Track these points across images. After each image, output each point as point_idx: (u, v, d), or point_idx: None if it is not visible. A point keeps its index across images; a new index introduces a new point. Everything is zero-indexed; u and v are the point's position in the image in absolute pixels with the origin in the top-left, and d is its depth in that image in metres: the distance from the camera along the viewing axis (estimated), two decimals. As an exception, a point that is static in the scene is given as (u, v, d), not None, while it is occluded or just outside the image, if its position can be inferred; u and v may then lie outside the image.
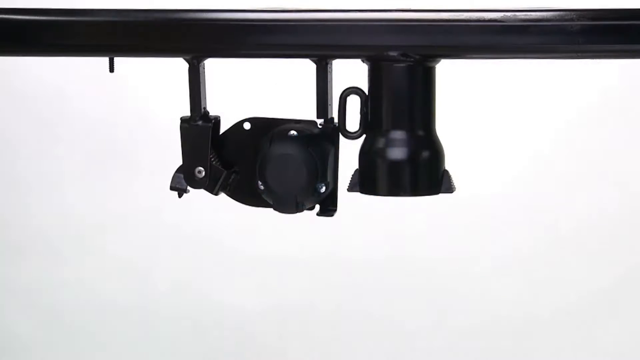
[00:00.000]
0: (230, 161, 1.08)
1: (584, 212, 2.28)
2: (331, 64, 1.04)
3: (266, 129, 1.06)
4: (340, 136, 1.06)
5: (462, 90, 2.12)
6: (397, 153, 1.01)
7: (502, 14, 0.96)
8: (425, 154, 1.01)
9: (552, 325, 2.30)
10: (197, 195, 1.10)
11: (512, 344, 2.32)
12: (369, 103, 1.03)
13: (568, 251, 2.28)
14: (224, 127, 1.08)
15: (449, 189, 1.03)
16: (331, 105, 1.06)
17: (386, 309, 2.35)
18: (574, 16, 0.95)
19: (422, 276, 2.31)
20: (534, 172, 2.28)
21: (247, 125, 1.07)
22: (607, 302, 2.28)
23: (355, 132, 1.04)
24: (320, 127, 1.06)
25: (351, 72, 1.08)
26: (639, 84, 2.20)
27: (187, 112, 1.06)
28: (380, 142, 1.01)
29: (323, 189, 1.04)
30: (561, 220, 2.28)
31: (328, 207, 1.08)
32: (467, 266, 2.32)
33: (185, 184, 1.08)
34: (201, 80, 1.06)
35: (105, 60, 1.09)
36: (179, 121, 1.07)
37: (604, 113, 2.25)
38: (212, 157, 1.06)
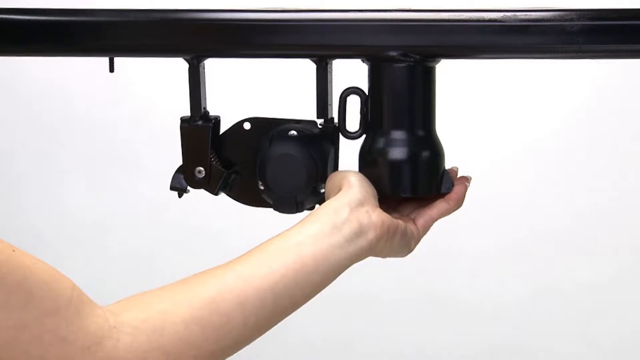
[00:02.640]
0: (230, 161, 1.08)
1: (581, 208, 2.28)
2: (331, 64, 1.04)
3: (266, 129, 1.06)
4: (340, 136, 1.06)
5: (462, 90, 2.12)
6: (397, 153, 1.00)
7: (502, 14, 0.96)
8: (425, 154, 1.01)
9: (551, 322, 2.31)
10: (197, 195, 1.10)
11: (511, 339, 2.32)
12: (369, 103, 1.02)
13: (566, 247, 2.29)
14: (224, 127, 1.08)
15: (449, 188, 1.03)
16: (331, 105, 1.05)
17: (385, 306, 2.36)
18: (574, 16, 0.95)
19: (422, 274, 2.31)
20: (534, 169, 2.29)
21: (247, 125, 1.07)
22: (606, 297, 2.29)
23: (355, 132, 1.04)
24: (320, 127, 1.06)
25: (351, 72, 1.08)
26: (633, 81, 2.20)
27: (187, 112, 1.06)
28: (381, 142, 1.01)
29: (323, 189, 1.04)
30: (559, 216, 2.28)
31: (328, 207, 1.08)
32: (467, 264, 2.32)
33: (185, 184, 1.07)
34: (201, 80, 1.06)
35: (105, 60, 1.08)
36: (179, 121, 1.07)
37: (599, 111, 2.25)
38: (212, 157, 1.06)
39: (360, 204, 0.96)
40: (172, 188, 1.08)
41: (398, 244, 0.99)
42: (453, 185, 1.03)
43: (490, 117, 2.27)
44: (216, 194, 1.08)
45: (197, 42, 1.03)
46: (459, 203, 1.04)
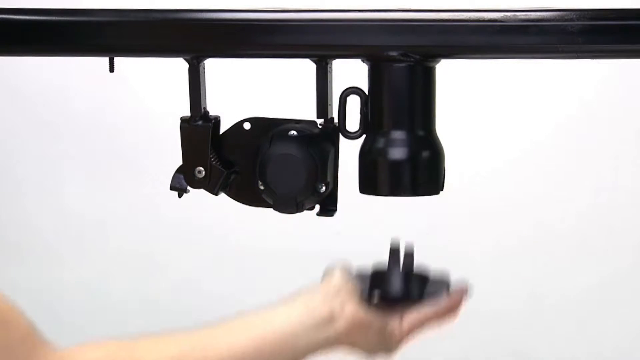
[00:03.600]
0: (230, 161, 1.08)
1: (581, 209, 2.28)
2: (331, 64, 1.04)
3: (266, 129, 1.06)
4: (340, 136, 1.06)
5: (462, 90, 2.12)
6: (397, 153, 1.00)
7: (502, 14, 0.96)
8: (425, 154, 1.01)
9: (551, 322, 2.31)
10: (197, 195, 1.10)
11: (511, 339, 2.32)
12: (369, 103, 1.02)
13: (566, 247, 2.29)
14: (224, 127, 1.08)
15: (437, 294, 1.04)
16: (331, 105, 1.05)
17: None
18: (574, 16, 0.95)
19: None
20: (534, 169, 2.29)
21: (247, 125, 1.07)
22: (606, 297, 2.29)
23: (355, 132, 1.04)
24: (320, 127, 1.06)
25: (351, 72, 1.08)
26: (633, 81, 2.20)
27: (187, 112, 1.06)
28: (381, 142, 1.01)
29: (323, 189, 1.04)
30: (559, 216, 2.28)
31: (328, 207, 1.08)
32: (467, 264, 2.32)
33: (185, 184, 1.08)
34: (201, 80, 1.06)
35: (105, 60, 1.08)
36: (179, 121, 1.07)
37: (600, 111, 2.25)
38: (212, 157, 1.06)
39: (336, 294, 0.99)
40: (172, 188, 1.08)
41: (375, 341, 1.01)
42: (442, 293, 1.04)
43: (491, 117, 2.27)
44: (216, 194, 1.08)
45: (197, 42, 1.04)
46: (451, 311, 1.05)
